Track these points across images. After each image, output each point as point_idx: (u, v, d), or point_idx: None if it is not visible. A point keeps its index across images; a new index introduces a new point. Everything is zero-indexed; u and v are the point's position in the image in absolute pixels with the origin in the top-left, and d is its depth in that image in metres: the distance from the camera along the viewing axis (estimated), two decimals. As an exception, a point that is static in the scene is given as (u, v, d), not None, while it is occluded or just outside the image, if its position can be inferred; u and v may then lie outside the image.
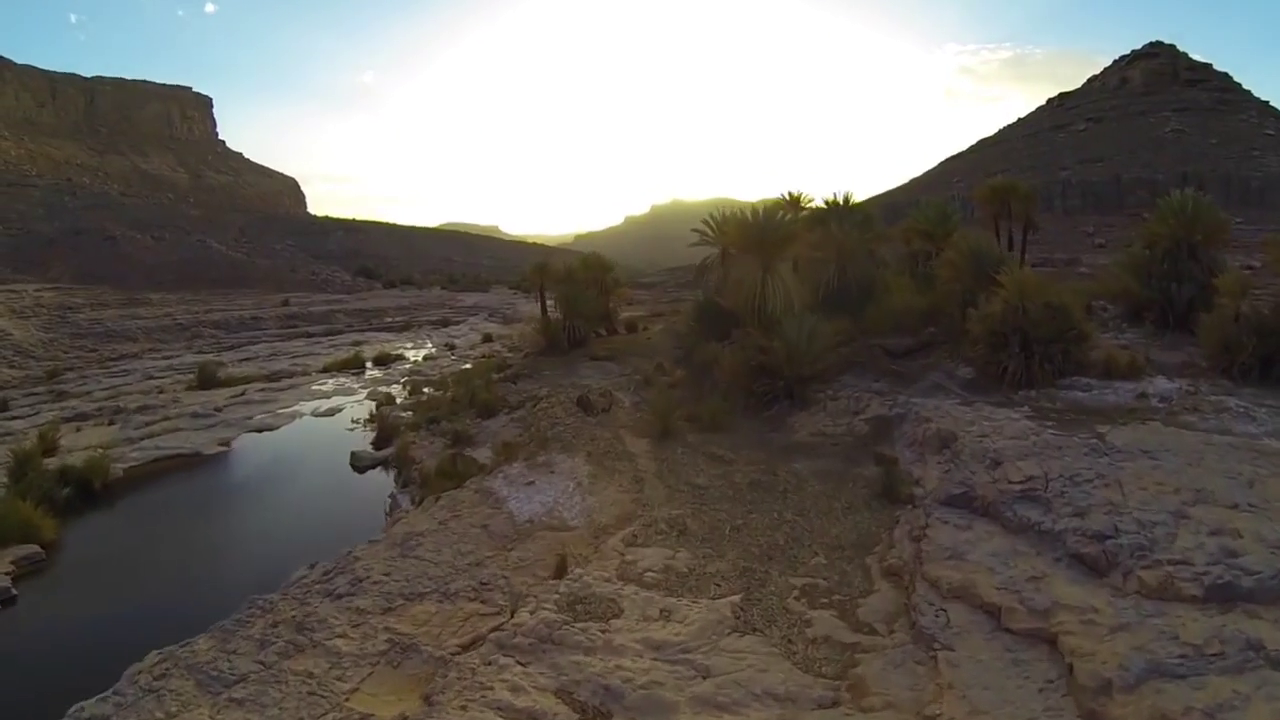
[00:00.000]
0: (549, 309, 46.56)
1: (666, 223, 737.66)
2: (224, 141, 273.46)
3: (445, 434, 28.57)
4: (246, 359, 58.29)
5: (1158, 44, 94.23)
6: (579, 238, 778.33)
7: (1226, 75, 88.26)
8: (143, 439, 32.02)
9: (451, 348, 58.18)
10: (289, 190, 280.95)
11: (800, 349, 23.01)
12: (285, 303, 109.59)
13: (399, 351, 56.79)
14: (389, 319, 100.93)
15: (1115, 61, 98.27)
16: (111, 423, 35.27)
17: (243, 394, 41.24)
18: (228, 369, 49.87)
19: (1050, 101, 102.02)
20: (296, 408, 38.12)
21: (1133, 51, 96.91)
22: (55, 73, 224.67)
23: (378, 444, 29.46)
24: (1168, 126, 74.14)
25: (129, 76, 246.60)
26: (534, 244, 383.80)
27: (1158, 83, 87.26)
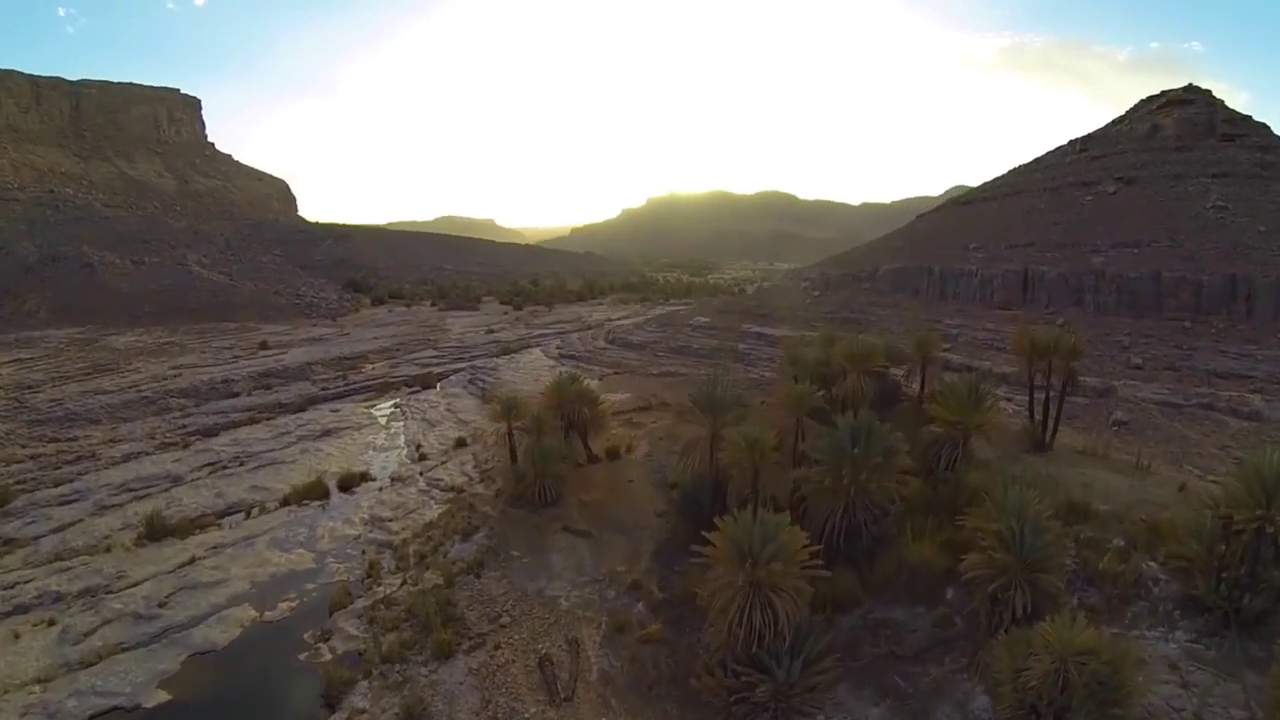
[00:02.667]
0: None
1: (663, 216, 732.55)
2: (213, 144, 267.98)
3: (397, 691, 25.58)
4: (208, 464, 54.82)
5: (1193, 89, 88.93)
6: (575, 231, 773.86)
7: (1266, 127, 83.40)
8: (80, 666, 29.00)
9: (422, 456, 54.64)
10: (279, 193, 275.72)
11: (791, 683, 19.77)
12: (263, 345, 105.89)
13: (364, 466, 53.04)
14: (369, 368, 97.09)
15: (1143, 102, 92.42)
16: (52, 622, 32.23)
17: (191, 562, 37.90)
18: (180, 501, 46.54)
19: (1073, 145, 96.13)
20: (245, 594, 34.70)
21: (1164, 93, 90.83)
22: (40, 77, 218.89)
23: (329, 696, 26.23)
24: (1209, 201, 68.13)
25: (116, 76, 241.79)
26: (527, 246, 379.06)
27: (1192, 135, 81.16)
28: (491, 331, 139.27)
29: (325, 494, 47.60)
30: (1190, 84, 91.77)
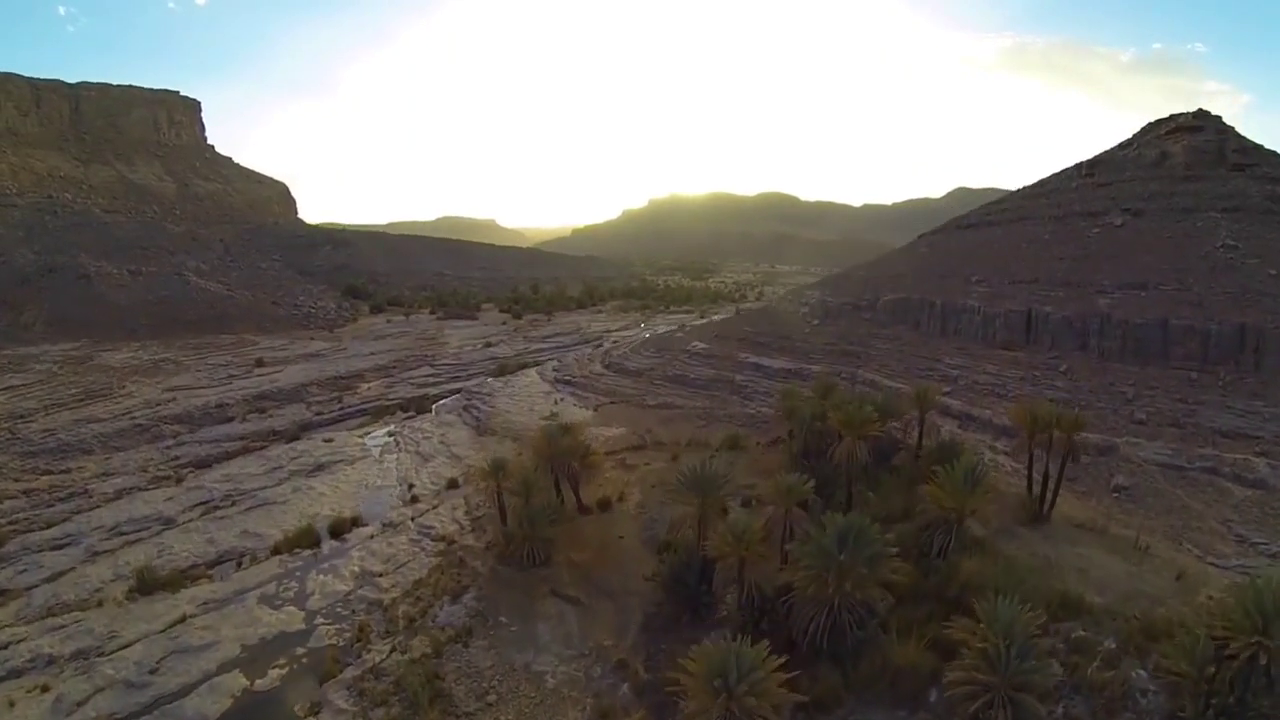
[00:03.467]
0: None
1: (664, 217, 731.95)
2: (213, 146, 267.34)
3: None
4: (200, 503, 54.76)
5: (1203, 114, 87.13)
6: (576, 231, 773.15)
7: (1276, 155, 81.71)
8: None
9: (414, 498, 54.46)
10: (278, 196, 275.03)
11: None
12: (259, 363, 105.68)
13: (356, 509, 52.66)
14: (365, 388, 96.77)
15: (1151, 126, 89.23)
16: (46, 688, 32.31)
17: (182, 620, 37.92)
18: (171, 548, 46.51)
19: (1080, 169, 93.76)
20: (236, 658, 34.54)
21: (1173, 117, 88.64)
22: (39, 80, 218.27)
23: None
24: (1218, 239, 66.99)
25: (117, 76, 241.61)
26: (528, 250, 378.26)
27: (1201, 163, 78.48)
28: (489, 345, 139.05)
29: (316, 542, 47.56)
30: (1200, 109, 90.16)
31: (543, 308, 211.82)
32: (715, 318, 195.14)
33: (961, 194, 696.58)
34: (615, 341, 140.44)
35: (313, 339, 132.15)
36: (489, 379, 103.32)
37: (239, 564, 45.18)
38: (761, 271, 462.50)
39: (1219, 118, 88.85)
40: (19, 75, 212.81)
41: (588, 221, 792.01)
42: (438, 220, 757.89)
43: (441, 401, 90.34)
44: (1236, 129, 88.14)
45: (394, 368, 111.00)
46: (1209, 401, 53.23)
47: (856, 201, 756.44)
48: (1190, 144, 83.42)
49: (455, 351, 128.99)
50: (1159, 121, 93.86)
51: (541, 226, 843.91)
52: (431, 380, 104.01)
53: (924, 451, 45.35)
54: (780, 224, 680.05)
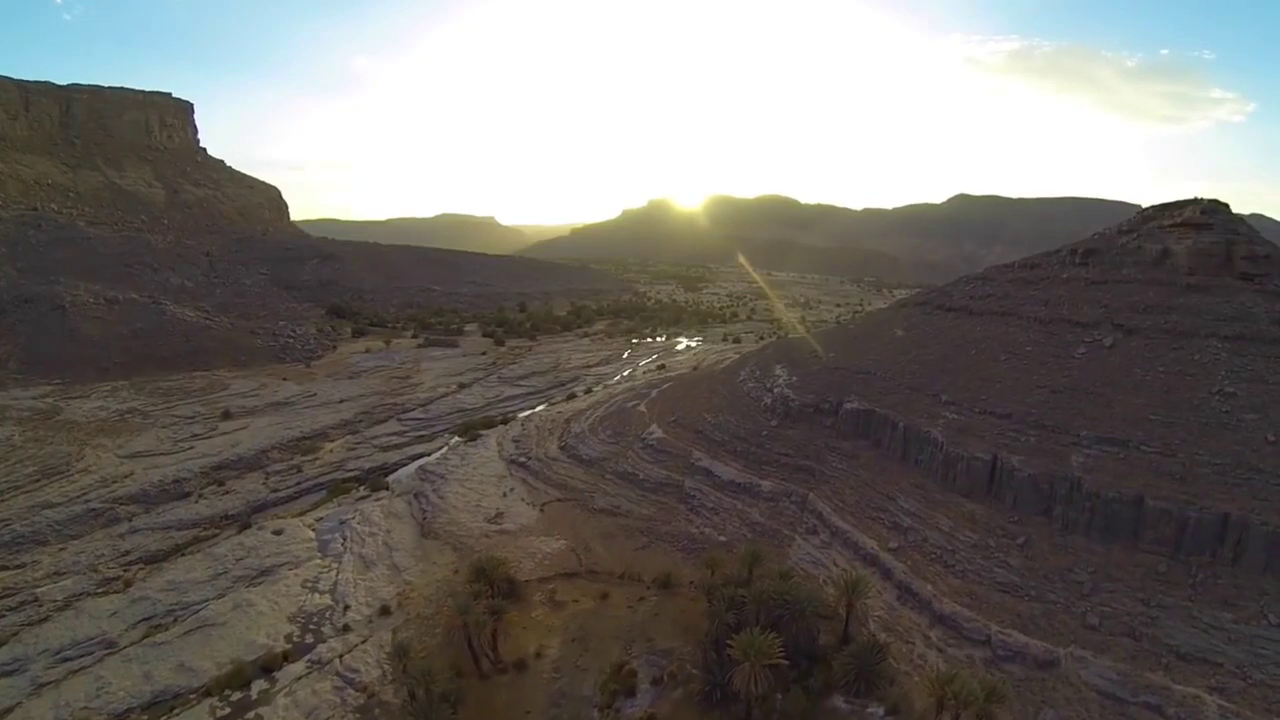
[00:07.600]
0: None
1: (663, 218, 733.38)
2: (205, 149, 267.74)
3: None
4: (143, 619, 57.22)
5: (1213, 205, 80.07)
6: (575, 230, 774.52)
7: None
8: None
9: (346, 626, 56.73)
10: (269, 202, 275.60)
11: None
12: (226, 415, 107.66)
13: (290, 635, 55.30)
14: (328, 449, 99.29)
15: (1156, 211, 79.68)
16: None
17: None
18: (110, 686, 49.01)
19: (1074, 255, 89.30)
20: None
21: (1180, 204, 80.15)
22: (29, 82, 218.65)
23: None
24: (1215, 382, 60.77)
25: (112, 68, 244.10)
26: (522, 258, 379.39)
27: (1206, 268, 73.17)
28: (463, 387, 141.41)
29: (246, 683, 49.94)
30: (1213, 201, 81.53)
31: (528, 331, 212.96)
32: (704, 345, 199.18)
33: (962, 201, 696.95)
34: (588, 388, 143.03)
35: (285, 379, 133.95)
36: (450, 441, 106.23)
37: (171, 708, 47.66)
38: (759, 276, 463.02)
39: (1227, 206, 79.74)
40: (8, 78, 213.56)
41: (587, 220, 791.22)
42: (437, 217, 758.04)
43: (399, 474, 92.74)
44: (1249, 224, 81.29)
45: (360, 422, 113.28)
46: (1173, 608, 47.67)
47: (857, 205, 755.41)
48: (1196, 246, 75.26)
49: (426, 397, 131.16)
50: (1165, 207, 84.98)
51: (540, 224, 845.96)
52: (395, 441, 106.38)
53: (846, 650, 47.69)
54: (779, 227, 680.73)
